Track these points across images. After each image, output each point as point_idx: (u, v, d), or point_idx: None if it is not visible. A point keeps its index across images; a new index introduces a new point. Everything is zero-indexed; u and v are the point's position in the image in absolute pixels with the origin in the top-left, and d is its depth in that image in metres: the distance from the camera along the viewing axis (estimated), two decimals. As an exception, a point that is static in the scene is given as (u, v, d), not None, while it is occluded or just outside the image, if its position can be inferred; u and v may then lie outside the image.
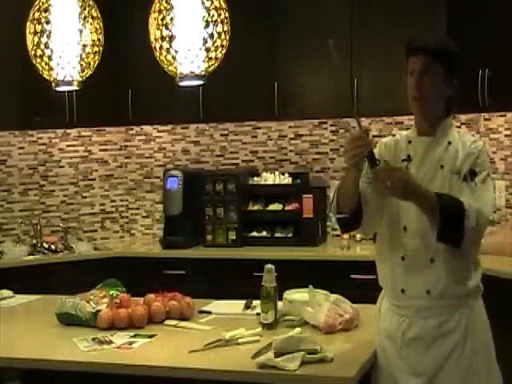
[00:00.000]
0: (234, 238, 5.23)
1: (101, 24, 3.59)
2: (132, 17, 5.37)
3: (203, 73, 3.28)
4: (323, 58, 5.06)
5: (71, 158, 5.84)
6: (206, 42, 3.21)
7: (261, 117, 5.39)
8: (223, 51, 3.28)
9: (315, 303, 3.05)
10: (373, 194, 2.63)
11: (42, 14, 3.47)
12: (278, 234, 5.26)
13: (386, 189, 2.49)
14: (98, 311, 3.17)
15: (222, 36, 3.25)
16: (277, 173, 5.38)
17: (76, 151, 5.85)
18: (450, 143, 2.65)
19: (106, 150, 5.95)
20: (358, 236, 5.19)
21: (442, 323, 2.59)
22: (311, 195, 5.14)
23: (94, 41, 3.55)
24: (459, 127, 5.14)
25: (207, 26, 3.20)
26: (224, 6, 3.27)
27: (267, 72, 5.22)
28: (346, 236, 5.21)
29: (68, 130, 5.78)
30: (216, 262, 5.10)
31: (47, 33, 3.46)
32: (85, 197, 5.89)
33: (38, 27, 3.47)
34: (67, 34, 3.48)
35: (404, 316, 2.65)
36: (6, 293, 3.85)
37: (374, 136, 5.37)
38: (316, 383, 2.53)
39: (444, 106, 2.68)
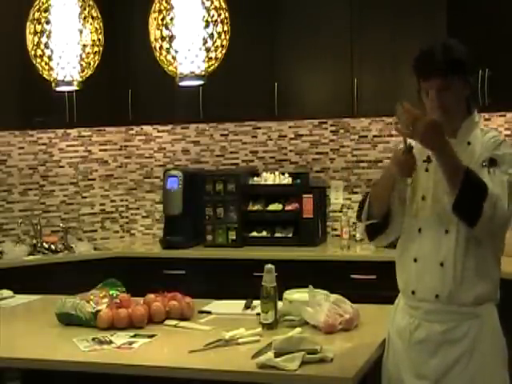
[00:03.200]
0: (234, 237, 5.23)
1: (101, 24, 3.59)
2: (132, 17, 5.36)
3: (203, 73, 3.28)
4: (323, 58, 5.11)
5: (71, 157, 5.84)
6: (206, 42, 3.21)
7: (261, 117, 5.38)
8: (223, 51, 3.28)
9: (315, 303, 3.05)
10: (396, 201, 2.64)
11: (42, 14, 3.47)
12: (278, 234, 5.26)
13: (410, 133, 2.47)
14: (98, 311, 3.16)
15: (222, 36, 3.25)
16: (277, 173, 5.38)
17: (76, 151, 5.85)
18: (469, 144, 2.61)
19: (105, 150, 5.95)
20: (358, 236, 5.19)
21: (448, 330, 2.57)
22: (311, 195, 5.14)
23: (93, 41, 3.55)
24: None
25: (207, 26, 3.20)
26: (224, 6, 3.27)
27: (267, 72, 5.21)
28: (345, 236, 5.22)
29: (68, 130, 5.78)
30: (216, 262, 5.10)
31: (47, 33, 3.46)
32: (85, 197, 5.89)
33: (38, 27, 3.47)
34: (67, 33, 3.48)
35: (413, 317, 2.64)
36: (6, 293, 3.85)
37: (374, 136, 5.39)
38: (316, 383, 2.53)
39: (464, 107, 2.65)
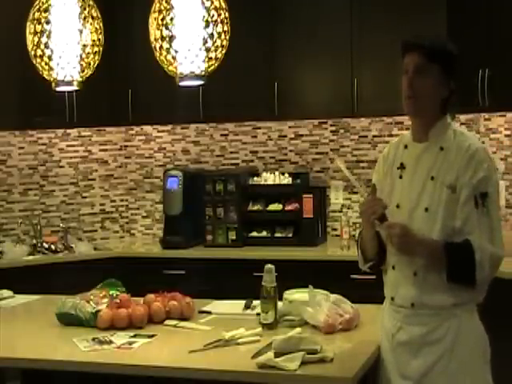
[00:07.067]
0: (234, 237, 5.23)
1: (101, 24, 3.60)
2: (132, 17, 5.37)
3: (203, 73, 3.29)
4: (323, 58, 5.12)
5: (71, 158, 5.84)
6: (206, 42, 3.21)
7: (261, 117, 5.38)
8: (223, 51, 3.29)
9: (315, 303, 3.05)
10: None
11: (42, 14, 3.47)
12: (278, 234, 5.26)
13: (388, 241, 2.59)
14: (98, 311, 3.16)
15: (222, 36, 3.25)
16: (277, 173, 5.38)
17: (76, 151, 5.86)
18: (442, 149, 2.58)
19: (106, 150, 5.95)
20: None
21: (428, 332, 2.56)
22: (311, 195, 5.14)
23: (93, 41, 3.55)
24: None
25: (207, 26, 3.21)
26: (224, 6, 3.28)
27: (267, 72, 5.21)
28: (345, 236, 5.22)
29: (68, 130, 5.78)
30: (216, 262, 5.09)
31: (47, 33, 3.47)
32: (85, 197, 5.89)
33: (38, 27, 3.47)
34: (67, 33, 3.48)
35: (396, 319, 2.65)
36: (6, 293, 3.85)
37: (374, 136, 5.39)
38: (316, 383, 2.53)
39: (438, 109, 2.60)
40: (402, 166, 2.66)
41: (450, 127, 2.62)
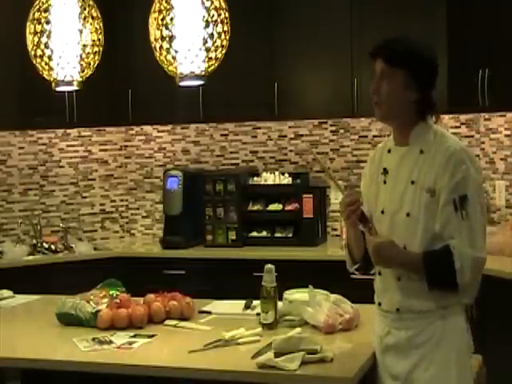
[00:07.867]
0: (234, 237, 5.23)
1: (101, 24, 3.60)
2: (132, 17, 5.37)
3: (203, 73, 3.29)
4: (323, 58, 5.12)
5: (71, 158, 5.84)
6: (206, 42, 3.22)
7: (261, 117, 5.38)
8: (223, 51, 3.29)
9: (315, 303, 3.05)
10: None
11: (42, 14, 3.47)
12: (278, 234, 5.26)
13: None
14: (98, 311, 3.16)
15: (222, 36, 3.25)
16: (277, 173, 5.38)
17: (76, 151, 5.85)
18: (422, 152, 2.55)
19: (106, 150, 5.95)
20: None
21: (414, 335, 2.55)
22: (311, 195, 5.14)
23: (93, 41, 3.55)
24: (459, 127, 5.16)
25: (207, 26, 3.21)
26: (224, 6, 3.28)
27: (267, 72, 5.22)
28: (345, 236, 5.21)
29: (68, 130, 5.78)
30: (216, 262, 5.10)
31: (47, 33, 3.47)
32: (85, 197, 5.89)
33: (38, 27, 3.48)
34: (67, 33, 3.48)
35: (384, 323, 2.65)
36: (6, 293, 3.85)
37: (374, 136, 5.39)
38: (316, 383, 2.53)
39: (412, 112, 2.56)
40: (385, 171, 2.65)
41: (430, 129, 2.60)
